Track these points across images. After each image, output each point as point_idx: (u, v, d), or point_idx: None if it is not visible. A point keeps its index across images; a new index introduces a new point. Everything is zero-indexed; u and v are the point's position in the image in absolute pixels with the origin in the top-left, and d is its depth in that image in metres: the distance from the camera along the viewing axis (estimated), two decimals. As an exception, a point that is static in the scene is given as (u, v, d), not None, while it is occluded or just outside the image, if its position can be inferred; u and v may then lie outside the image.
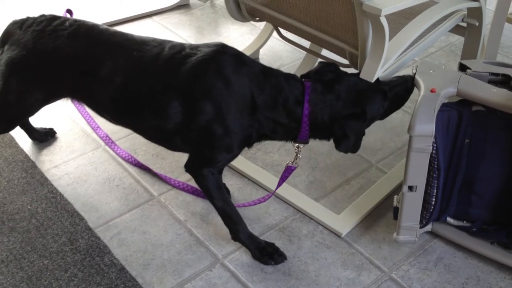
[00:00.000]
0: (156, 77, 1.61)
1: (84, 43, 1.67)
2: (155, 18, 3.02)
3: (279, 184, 1.81)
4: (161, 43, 1.65)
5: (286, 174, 1.78)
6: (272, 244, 1.75)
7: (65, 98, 1.80)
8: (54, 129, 2.21)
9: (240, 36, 2.88)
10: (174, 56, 1.61)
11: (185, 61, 1.59)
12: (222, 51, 1.62)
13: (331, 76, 1.65)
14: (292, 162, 1.77)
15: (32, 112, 1.86)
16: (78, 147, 2.17)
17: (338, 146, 1.66)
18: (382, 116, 1.74)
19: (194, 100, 1.58)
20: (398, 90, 1.71)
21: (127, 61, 1.63)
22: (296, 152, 1.75)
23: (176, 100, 1.59)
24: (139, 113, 1.66)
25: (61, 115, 2.31)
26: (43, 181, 1.99)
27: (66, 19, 1.72)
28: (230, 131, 1.59)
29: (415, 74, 1.68)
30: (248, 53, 2.57)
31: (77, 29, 1.69)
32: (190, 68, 1.58)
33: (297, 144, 1.73)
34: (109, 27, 1.75)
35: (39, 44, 1.68)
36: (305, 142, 1.70)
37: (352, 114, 1.62)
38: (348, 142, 1.64)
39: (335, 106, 1.62)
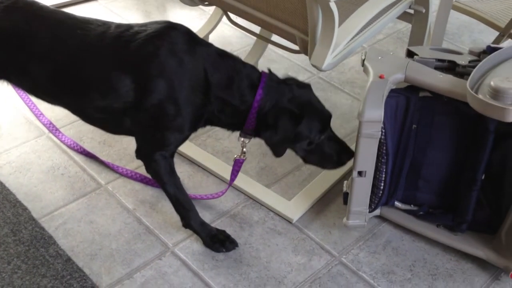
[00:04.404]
0: (104, 56, 1.55)
1: (21, 18, 1.59)
2: (100, 1, 2.93)
3: (231, 179, 1.79)
4: (105, 23, 1.60)
5: (236, 167, 1.77)
6: (223, 231, 1.74)
7: (2, 81, 1.71)
8: (-6, 116, 2.12)
9: (189, 21, 2.83)
10: (122, 34, 1.55)
11: (134, 38, 1.54)
12: (173, 27, 1.57)
13: (296, 81, 1.65)
14: (240, 156, 1.75)
15: None
16: (20, 134, 2.08)
17: (264, 133, 1.61)
18: (301, 151, 1.68)
19: (146, 78, 1.53)
20: (330, 143, 1.66)
21: (70, 38, 1.56)
22: (242, 146, 1.72)
23: (126, 78, 1.52)
24: (83, 93, 1.59)
25: (1, 101, 2.21)
26: (-17, 171, 1.91)
27: None
28: (183, 110, 1.55)
29: (364, 60, 1.69)
30: (197, 38, 2.53)
31: (14, 3, 1.60)
32: (141, 45, 1.53)
33: (242, 139, 1.69)
34: (49, 6, 1.67)
35: None
36: (250, 134, 1.67)
37: (291, 110, 1.58)
38: (273, 134, 1.58)
39: (281, 99, 1.59)
